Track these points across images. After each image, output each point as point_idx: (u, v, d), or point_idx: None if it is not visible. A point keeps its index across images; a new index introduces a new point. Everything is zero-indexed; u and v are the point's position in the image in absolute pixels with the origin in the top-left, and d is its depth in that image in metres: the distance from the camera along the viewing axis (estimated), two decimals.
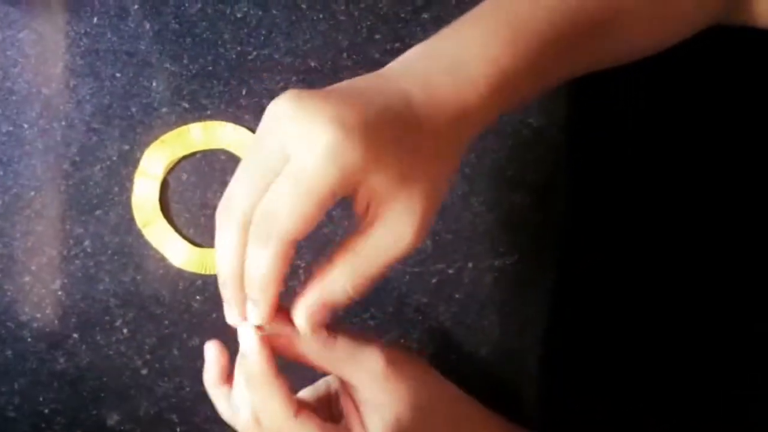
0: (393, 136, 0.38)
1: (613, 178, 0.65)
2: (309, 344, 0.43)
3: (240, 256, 0.40)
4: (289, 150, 0.38)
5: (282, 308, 0.42)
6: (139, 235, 0.59)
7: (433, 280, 0.60)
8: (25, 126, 0.59)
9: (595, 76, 0.59)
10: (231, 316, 0.42)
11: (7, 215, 0.59)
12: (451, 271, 0.60)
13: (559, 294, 0.61)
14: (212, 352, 0.46)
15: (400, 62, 0.43)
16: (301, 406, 0.43)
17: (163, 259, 0.59)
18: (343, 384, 0.46)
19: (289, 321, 0.42)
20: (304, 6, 0.59)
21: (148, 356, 0.60)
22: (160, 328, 0.59)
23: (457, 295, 0.60)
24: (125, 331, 0.60)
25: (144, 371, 0.60)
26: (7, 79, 0.59)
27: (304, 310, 0.41)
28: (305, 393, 0.50)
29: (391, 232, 0.39)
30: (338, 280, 0.41)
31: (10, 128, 0.59)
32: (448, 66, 0.42)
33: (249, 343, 0.42)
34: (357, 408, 0.45)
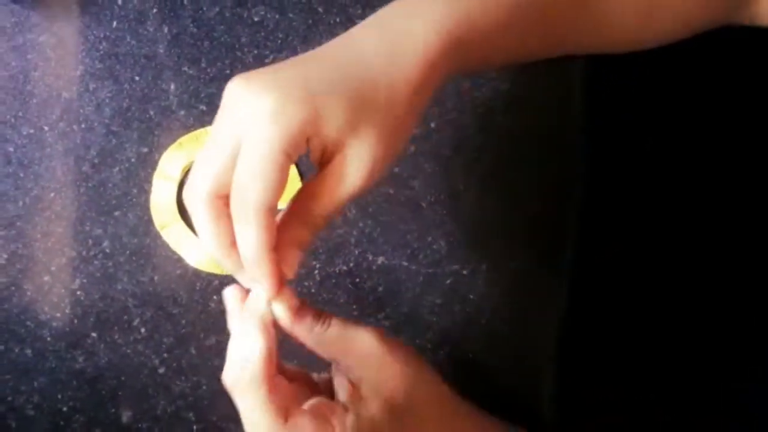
0: (339, 90, 0.40)
1: (628, 181, 0.65)
2: (303, 326, 0.44)
3: (223, 234, 0.42)
4: (241, 128, 0.40)
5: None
6: (157, 236, 0.60)
7: (448, 281, 0.60)
8: (46, 128, 0.60)
9: (611, 78, 0.59)
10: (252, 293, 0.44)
11: (28, 216, 0.60)
12: (465, 272, 0.60)
13: (573, 295, 0.61)
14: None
15: (353, 30, 0.44)
16: (293, 410, 0.43)
17: (180, 259, 0.60)
18: (338, 366, 0.46)
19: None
20: (320, 9, 0.60)
21: (165, 355, 0.60)
22: (177, 327, 0.60)
23: (471, 296, 0.60)
24: (143, 330, 0.60)
25: (161, 370, 0.60)
26: (28, 83, 0.59)
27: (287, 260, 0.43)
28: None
29: (342, 174, 0.41)
30: (300, 229, 0.43)
31: (31, 131, 0.60)
32: (404, 16, 0.43)
33: (252, 327, 0.44)
34: (352, 386, 0.45)
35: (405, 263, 0.60)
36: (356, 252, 0.60)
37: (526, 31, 0.47)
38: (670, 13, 0.52)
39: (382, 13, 0.45)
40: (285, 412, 0.43)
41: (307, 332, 0.45)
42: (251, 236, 0.40)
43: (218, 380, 0.60)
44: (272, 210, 0.40)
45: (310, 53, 0.43)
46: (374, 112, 0.41)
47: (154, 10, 0.60)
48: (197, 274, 0.60)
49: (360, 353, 0.45)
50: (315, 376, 0.49)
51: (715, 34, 0.54)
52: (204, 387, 0.60)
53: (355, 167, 0.41)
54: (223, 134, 0.41)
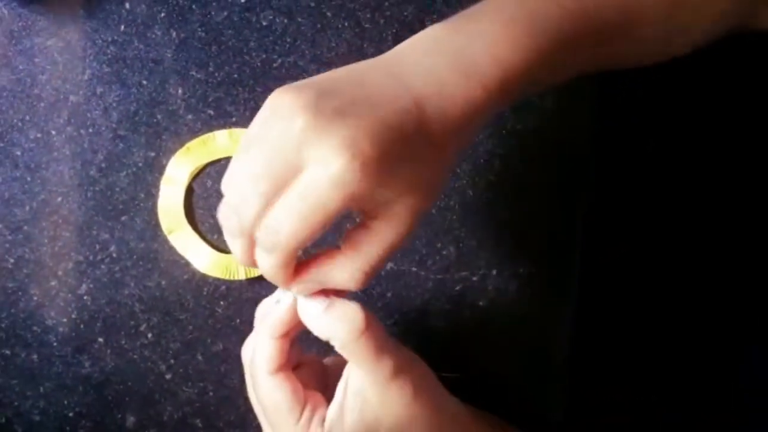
0: (402, 154, 0.39)
1: (636, 185, 0.65)
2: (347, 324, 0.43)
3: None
4: (302, 164, 0.38)
5: None
6: (164, 241, 0.59)
7: (457, 288, 0.60)
8: (53, 133, 0.59)
9: (618, 82, 0.59)
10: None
11: (35, 221, 0.59)
12: (475, 279, 0.60)
13: (583, 300, 0.61)
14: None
15: (408, 55, 0.42)
16: (284, 367, 0.45)
17: (187, 264, 0.60)
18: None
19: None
20: (329, 14, 0.59)
21: (172, 361, 0.60)
22: (184, 333, 0.60)
23: (480, 303, 0.60)
24: (150, 335, 0.60)
25: (168, 376, 0.60)
26: (35, 87, 0.59)
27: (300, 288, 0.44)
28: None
29: (390, 228, 0.41)
30: (344, 270, 0.42)
31: (38, 135, 0.59)
32: (458, 64, 0.41)
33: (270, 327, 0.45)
34: (344, 392, 0.45)
35: (414, 269, 0.60)
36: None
37: (558, 70, 0.46)
38: (689, 38, 0.51)
39: (435, 37, 0.43)
40: (278, 366, 0.45)
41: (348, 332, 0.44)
42: (272, 268, 0.41)
43: (225, 386, 0.60)
44: (299, 250, 0.40)
45: (367, 77, 0.41)
46: (427, 168, 0.41)
47: (162, 15, 0.59)
48: (204, 279, 0.60)
49: (368, 376, 0.44)
50: (328, 360, 0.50)
51: (723, 40, 0.54)
52: (211, 393, 0.60)
53: (401, 220, 0.41)
54: (283, 159, 0.39)
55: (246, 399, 0.59)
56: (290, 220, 0.39)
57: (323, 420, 0.45)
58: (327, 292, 0.44)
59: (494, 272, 0.60)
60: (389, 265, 0.60)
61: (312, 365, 0.49)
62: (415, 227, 0.41)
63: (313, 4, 0.59)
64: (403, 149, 0.39)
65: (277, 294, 0.45)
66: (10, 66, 0.59)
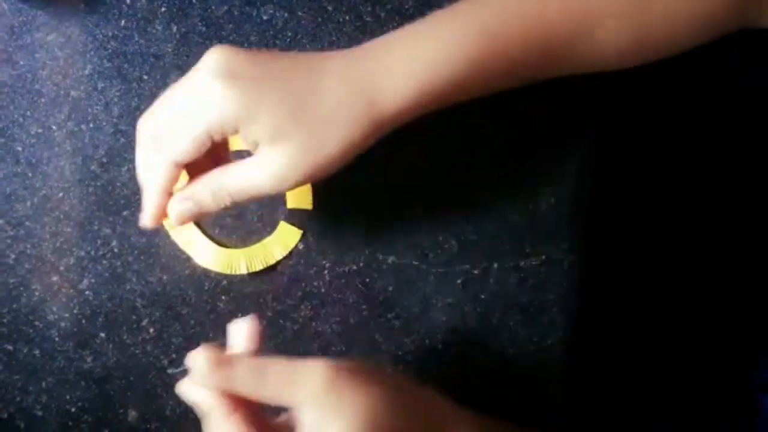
0: (274, 97, 0.46)
1: (637, 178, 0.65)
2: (242, 376, 0.44)
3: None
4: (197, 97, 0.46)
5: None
6: (166, 236, 0.59)
7: (458, 281, 0.60)
8: (54, 128, 0.59)
9: (620, 79, 0.59)
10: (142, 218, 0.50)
11: (36, 216, 0.59)
12: (476, 272, 0.60)
13: (584, 294, 0.61)
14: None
15: (333, 60, 0.48)
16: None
17: (189, 259, 0.60)
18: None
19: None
20: (330, 8, 0.59)
21: (174, 356, 0.60)
22: (186, 327, 0.60)
23: (482, 296, 0.60)
24: (152, 330, 0.60)
25: (170, 370, 0.60)
26: (36, 82, 0.59)
27: (174, 212, 0.49)
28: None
29: (256, 172, 0.47)
30: (205, 191, 0.48)
31: (39, 130, 0.59)
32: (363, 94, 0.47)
33: (202, 402, 0.46)
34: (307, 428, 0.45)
35: (416, 263, 0.60)
36: (366, 251, 0.60)
37: (491, 81, 0.50)
38: (662, 38, 0.52)
39: (351, 59, 0.48)
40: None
41: (250, 380, 0.44)
42: (156, 170, 0.48)
43: None
44: (176, 164, 0.47)
45: (279, 66, 0.47)
46: (304, 134, 0.46)
47: (163, 9, 0.59)
48: (206, 274, 0.60)
49: (303, 397, 0.44)
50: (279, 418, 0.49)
51: (724, 40, 0.54)
52: None
53: (259, 171, 0.47)
54: (184, 97, 0.47)
55: None
56: (174, 129, 0.47)
57: None
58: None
59: (495, 265, 0.60)
60: (391, 258, 0.60)
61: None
62: (275, 184, 0.47)
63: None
64: (274, 90, 0.46)
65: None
66: (11, 61, 0.59)
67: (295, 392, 0.44)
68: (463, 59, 0.48)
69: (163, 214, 0.50)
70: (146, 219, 0.50)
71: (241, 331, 0.47)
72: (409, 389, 0.48)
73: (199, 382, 0.45)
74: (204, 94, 0.46)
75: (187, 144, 0.46)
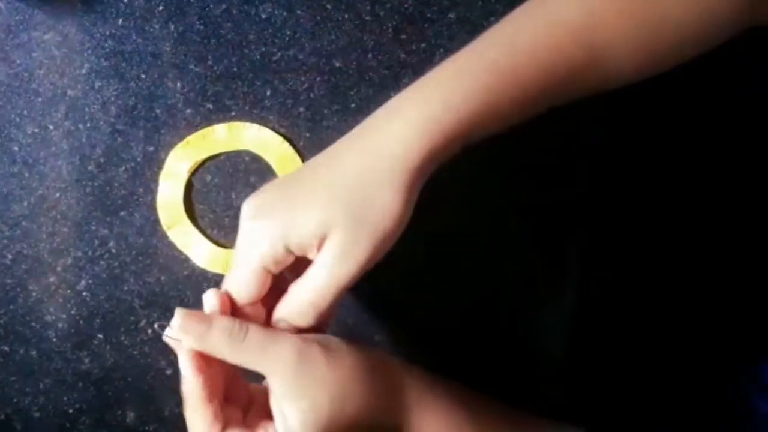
0: (315, 202, 0.46)
1: (637, 180, 0.64)
2: (219, 338, 0.46)
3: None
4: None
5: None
6: (164, 236, 0.59)
7: (457, 281, 0.60)
8: (51, 127, 0.59)
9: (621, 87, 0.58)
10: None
11: (33, 216, 0.59)
12: (474, 273, 0.60)
13: (582, 295, 0.60)
14: None
15: (346, 142, 0.49)
16: (227, 424, 0.47)
17: (187, 260, 0.59)
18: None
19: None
20: (329, 6, 0.59)
21: (172, 357, 0.59)
22: None
23: (479, 298, 0.60)
24: (150, 331, 0.60)
25: (168, 371, 0.60)
26: (33, 81, 0.59)
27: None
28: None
29: (322, 278, 0.46)
30: (291, 314, 0.48)
31: (36, 130, 0.59)
32: (385, 146, 0.47)
33: (184, 368, 0.48)
34: (277, 399, 0.46)
35: (415, 262, 0.59)
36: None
37: (506, 117, 0.50)
38: (671, 50, 0.52)
39: (364, 128, 0.49)
40: (219, 426, 0.47)
41: (225, 339, 0.46)
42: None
43: None
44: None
45: (299, 173, 0.49)
46: (351, 217, 0.46)
47: (161, 8, 0.59)
48: (204, 274, 0.59)
49: (276, 368, 0.46)
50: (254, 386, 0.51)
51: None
52: None
53: (325, 273, 0.46)
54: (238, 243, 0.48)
55: None
56: (234, 277, 0.48)
57: None
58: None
59: (493, 268, 0.60)
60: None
61: (258, 403, 0.50)
62: (355, 270, 0.46)
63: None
64: (316, 197, 0.47)
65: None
66: (8, 60, 0.59)
67: (267, 362, 0.46)
68: (475, 102, 0.47)
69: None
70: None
71: (215, 297, 0.49)
72: (381, 369, 0.49)
73: (175, 340, 0.48)
74: (245, 238, 0.47)
75: (248, 287, 0.47)
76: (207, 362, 0.47)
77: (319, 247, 0.46)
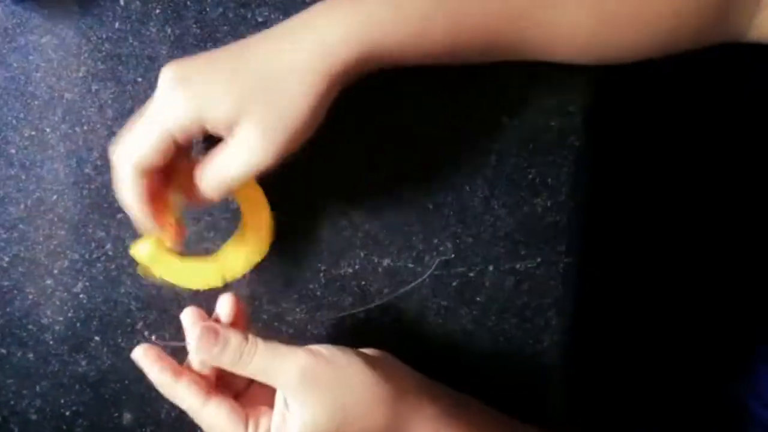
0: (227, 87, 0.47)
1: (633, 180, 0.65)
2: (231, 357, 0.49)
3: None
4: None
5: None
6: None
7: (454, 284, 0.60)
8: (48, 130, 0.59)
9: (615, 82, 0.59)
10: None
11: (30, 219, 0.59)
12: (471, 275, 0.60)
13: (580, 296, 0.61)
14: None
15: (279, 26, 0.50)
16: (213, 392, 0.50)
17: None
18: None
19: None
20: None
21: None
22: (181, 330, 0.59)
23: (478, 299, 0.60)
24: (146, 333, 0.60)
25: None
26: (29, 84, 0.59)
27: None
28: None
29: (229, 159, 0.48)
30: (211, 186, 0.50)
31: (33, 132, 0.59)
32: (313, 39, 0.48)
33: (139, 361, 0.51)
34: (284, 401, 0.49)
35: (411, 265, 0.60)
36: (362, 254, 0.60)
37: (437, 50, 0.51)
38: (631, 25, 0.52)
39: (294, 20, 0.50)
40: (205, 395, 0.49)
41: (235, 361, 0.49)
42: (125, 186, 0.49)
43: None
44: (144, 171, 0.49)
45: (223, 53, 0.50)
46: (262, 107, 0.47)
47: (157, 11, 0.59)
48: None
49: (281, 383, 0.49)
50: None
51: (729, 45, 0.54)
52: None
53: (236, 152, 0.48)
54: (145, 111, 0.49)
55: None
56: (136, 136, 0.49)
57: (269, 428, 0.49)
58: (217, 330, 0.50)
59: (491, 268, 0.60)
60: (386, 261, 0.60)
61: (257, 383, 0.52)
62: (249, 163, 0.48)
63: (308, 0, 0.59)
64: (233, 78, 0.48)
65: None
66: (4, 63, 0.59)
67: (274, 375, 0.48)
68: (408, 26, 0.49)
69: (158, 221, 0.51)
70: (144, 227, 0.51)
71: (229, 303, 0.52)
72: (385, 382, 0.50)
73: (192, 353, 0.51)
74: (159, 101, 0.48)
75: (149, 147, 0.48)
76: None
77: (231, 129, 0.48)
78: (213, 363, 0.50)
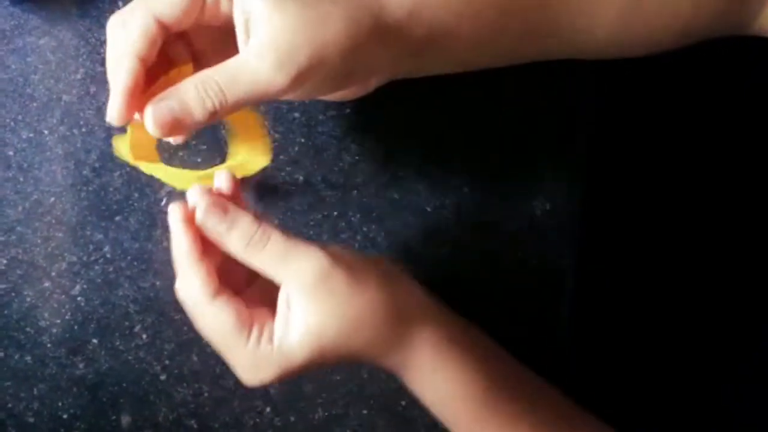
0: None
1: (632, 183, 0.65)
2: (238, 242, 0.44)
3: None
4: None
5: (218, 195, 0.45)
6: (159, 241, 0.59)
7: (452, 287, 0.59)
8: (46, 132, 0.59)
9: (617, 81, 0.58)
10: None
11: (28, 221, 0.59)
12: (470, 277, 0.60)
13: (578, 298, 0.60)
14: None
15: None
16: (222, 290, 0.44)
17: None
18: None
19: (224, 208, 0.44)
20: None
21: (167, 362, 0.60)
22: (179, 333, 0.59)
23: (476, 302, 0.60)
24: (144, 336, 0.60)
25: (163, 377, 0.60)
26: (28, 86, 0.59)
27: (151, 113, 0.43)
28: None
29: (251, 56, 0.41)
30: (188, 85, 0.42)
31: (31, 134, 0.59)
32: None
33: (174, 223, 0.44)
34: (287, 303, 0.45)
35: (410, 267, 0.59)
36: (349, 248, 0.59)
37: (484, 26, 0.46)
38: (654, 17, 0.50)
39: None
40: (215, 286, 0.44)
41: (243, 244, 0.44)
42: (128, 33, 0.42)
43: (220, 387, 0.60)
44: (138, 56, 0.42)
45: None
46: (299, 7, 0.41)
47: None
48: None
49: (292, 282, 0.44)
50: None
51: (722, 38, 0.54)
52: (206, 394, 0.60)
53: (255, 54, 0.41)
54: None
55: (241, 399, 0.59)
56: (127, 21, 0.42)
57: (272, 335, 0.44)
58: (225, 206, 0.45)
59: (489, 271, 0.60)
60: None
61: (261, 282, 0.47)
62: (276, 73, 0.41)
63: None
64: None
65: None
66: (3, 65, 0.59)
67: (286, 272, 0.44)
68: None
69: (135, 105, 0.44)
70: (113, 110, 0.44)
71: (227, 179, 0.47)
72: (401, 305, 0.46)
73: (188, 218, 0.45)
74: None
75: (145, 23, 0.42)
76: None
77: (246, 28, 0.42)
78: (218, 244, 0.44)
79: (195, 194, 0.45)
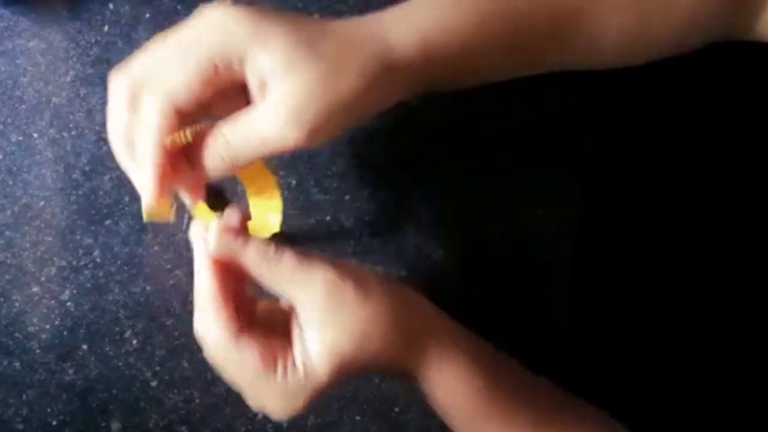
0: (285, 29, 0.42)
1: (630, 185, 0.64)
2: (253, 258, 0.45)
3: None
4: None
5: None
6: (149, 246, 0.58)
7: (448, 291, 0.59)
8: (35, 135, 0.58)
9: (613, 89, 0.58)
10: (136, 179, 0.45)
11: (17, 225, 0.58)
12: (466, 283, 0.59)
13: (577, 300, 0.60)
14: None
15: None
16: (243, 329, 0.44)
17: (173, 269, 0.59)
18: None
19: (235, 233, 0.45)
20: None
21: (157, 368, 0.59)
22: (170, 339, 0.59)
23: (472, 307, 0.59)
24: (135, 342, 0.59)
25: (154, 383, 0.59)
26: (17, 88, 0.58)
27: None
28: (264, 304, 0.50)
29: (264, 114, 0.43)
30: (214, 154, 0.44)
31: (20, 138, 0.58)
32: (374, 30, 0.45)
33: (199, 261, 0.45)
34: (300, 324, 0.45)
35: (404, 273, 0.59)
36: (353, 262, 0.59)
37: (496, 47, 0.48)
38: (663, 31, 0.51)
39: (357, 20, 0.46)
40: (237, 326, 0.44)
41: (259, 259, 0.45)
42: (150, 118, 0.43)
43: (211, 393, 0.59)
44: (176, 106, 0.42)
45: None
46: (313, 63, 0.42)
47: (147, 16, 0.59)
48: (190, 284, 0.58)
49: (305, 298, 0.45)
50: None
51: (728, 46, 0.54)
52: (197, 400, 0.59)
53: (269, 112, 0.42)
54: (180, 32, 0.43)
55: (233, 406, 0.59)
56: (169, 60, 0.42)
57: (295, 361, 0.45)
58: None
59: (486, 276, 0.60)
60: (379, 269, 0.59)
61: (270, 309, 0.49)
62: (291, 128, 0.42)
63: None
64: (285, 23, 0.43)
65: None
66: None
67: (297, 289, 0.45)
68: (466, 17, 0.46)
69: (165, 183, 0.44)
70: (150, 200, 0.44)
71: (236, 214, 0.47)
72: (411, 314, 0.48)
73: (207, 244, 0.45)
74: (206, 21, 0.42)
75: (188, 77, 0.42)
76: (223, 267, 0.45)
77: (269, 84, 0.42)
78: (235, 260, 0.45)
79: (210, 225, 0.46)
